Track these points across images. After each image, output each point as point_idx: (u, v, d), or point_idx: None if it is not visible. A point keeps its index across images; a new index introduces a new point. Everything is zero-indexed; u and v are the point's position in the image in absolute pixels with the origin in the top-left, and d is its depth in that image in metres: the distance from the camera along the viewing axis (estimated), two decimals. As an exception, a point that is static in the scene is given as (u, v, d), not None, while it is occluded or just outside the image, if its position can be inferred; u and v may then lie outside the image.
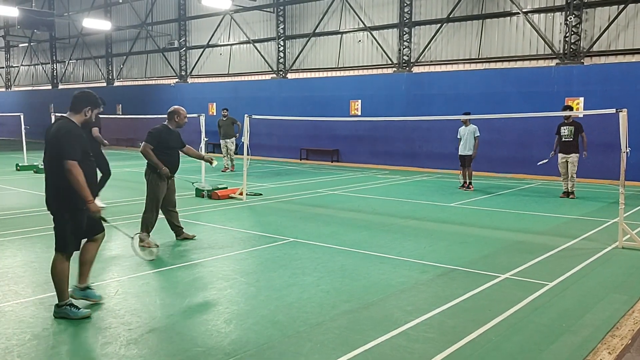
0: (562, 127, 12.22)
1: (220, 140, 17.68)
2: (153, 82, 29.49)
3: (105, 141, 10.18)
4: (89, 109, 4.85)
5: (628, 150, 7.49)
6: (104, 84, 32.11)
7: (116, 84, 31.75)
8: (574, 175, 12.12)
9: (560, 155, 12.22)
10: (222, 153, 18.00)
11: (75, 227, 4.75)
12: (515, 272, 6.23)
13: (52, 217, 4.74)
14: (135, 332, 4.44)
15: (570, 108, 12.29)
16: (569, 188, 12.23)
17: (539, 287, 5.67)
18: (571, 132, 12.09)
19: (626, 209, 7.79)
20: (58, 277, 4.75)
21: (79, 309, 4.80)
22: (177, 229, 7.75)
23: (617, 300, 5.32)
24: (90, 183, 4.70)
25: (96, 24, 27.23)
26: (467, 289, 5.58)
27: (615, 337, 4.39)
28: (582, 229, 8.67)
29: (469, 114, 12.67)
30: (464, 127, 13.32)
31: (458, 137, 13.47)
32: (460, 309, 5.04)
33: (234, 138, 17.48)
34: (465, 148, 13.26)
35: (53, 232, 4.76)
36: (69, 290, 4.87)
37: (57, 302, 4.78)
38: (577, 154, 12.08)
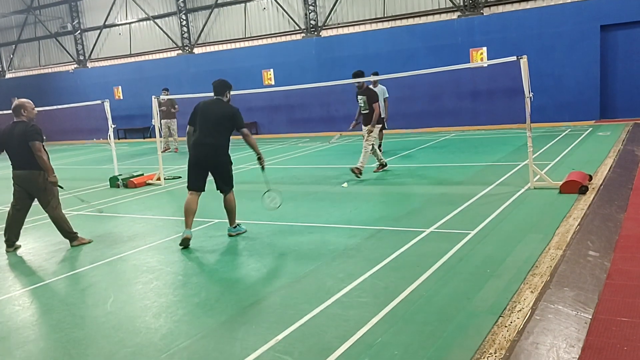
0: (358, 97, 10.20)
1: (162, 121, 17.15)
2: (50, 70, 27.56)
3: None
4: (228, 91, 6.67)
5: (531, 95, 7.82)
6: (-6, 77, 29.66)
7: (8, 75, 29.39)
8: (369, 150, 9.94)
9: (363, 127, 10.30)
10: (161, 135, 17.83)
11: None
12: (439, 225, 6.40)
13: (220, 168, 6.56)
14: (59, 342, 4.15)
15: (361, 75, 9.93)
16: (358, 164, 9.79)
17: (462, 236, 5.85)
18: (365, 103, 10.02)
19: (534, 150, 8.17)
20: (234, 205, 6.70)
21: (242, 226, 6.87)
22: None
23: (534, 240, 5.59)
24: None
25: (-25, 11, 24.89)
26: (395, 247, 5.66)
27: (535, 275, 4.61)
28: (496, 175, 9.05)
29: (377, 74, 12.48)
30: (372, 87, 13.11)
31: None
32: (390, 269, 5.10)
33: (175, 119, 17.11)
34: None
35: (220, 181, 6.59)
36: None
37: (229, 226, 6.80)
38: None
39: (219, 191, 6.71)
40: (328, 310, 4.28)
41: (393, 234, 6.29)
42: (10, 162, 6.77)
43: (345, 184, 9.45)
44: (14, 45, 28.71)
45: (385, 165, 10.50)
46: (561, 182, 7.58)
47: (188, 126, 6.72)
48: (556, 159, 10.14)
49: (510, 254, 5.24)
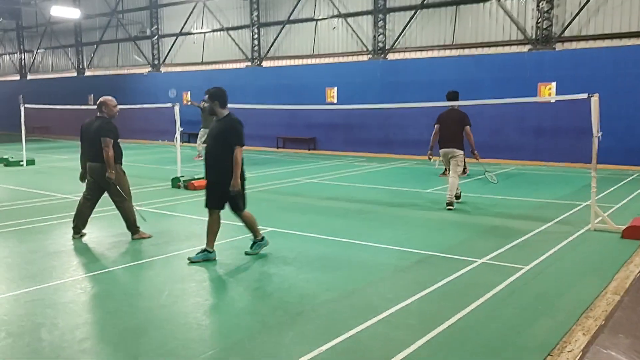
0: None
1: (201, 129, 17.33)
2: (125, 71, 28.95)
3: None
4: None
5: (600, 134, 7.62)
6: (75, 74, 31.40)
7: (87, 73, 31.08)
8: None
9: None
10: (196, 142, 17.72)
11: None
12: (492, 257, 6.32)
13: None
14: (115, 328, 4.38)
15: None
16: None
17: (515, 271, 5.76)
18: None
19: (597, 192, 7.94)
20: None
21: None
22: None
23: (590, 282, 5.43)
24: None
25: (64, 12, 26.52)
26: (445, 274, 5.63)
27: (589, 318, 4.49)
28: (556, 213, 8.82)
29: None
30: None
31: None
32: (438, 295, 5.09)
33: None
34: None
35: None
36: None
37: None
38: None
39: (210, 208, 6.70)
40: (373, 328, 4.32)
41: (444, 260, 6.25)
42: (84, 155, 7.22)
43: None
44: (95, 45, 30.38)
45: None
46: (624, 227, 7.32)
47: (241, 147, 6.78)
48: (620, 203, 9.78)
49: (564, 293, 5.12)
